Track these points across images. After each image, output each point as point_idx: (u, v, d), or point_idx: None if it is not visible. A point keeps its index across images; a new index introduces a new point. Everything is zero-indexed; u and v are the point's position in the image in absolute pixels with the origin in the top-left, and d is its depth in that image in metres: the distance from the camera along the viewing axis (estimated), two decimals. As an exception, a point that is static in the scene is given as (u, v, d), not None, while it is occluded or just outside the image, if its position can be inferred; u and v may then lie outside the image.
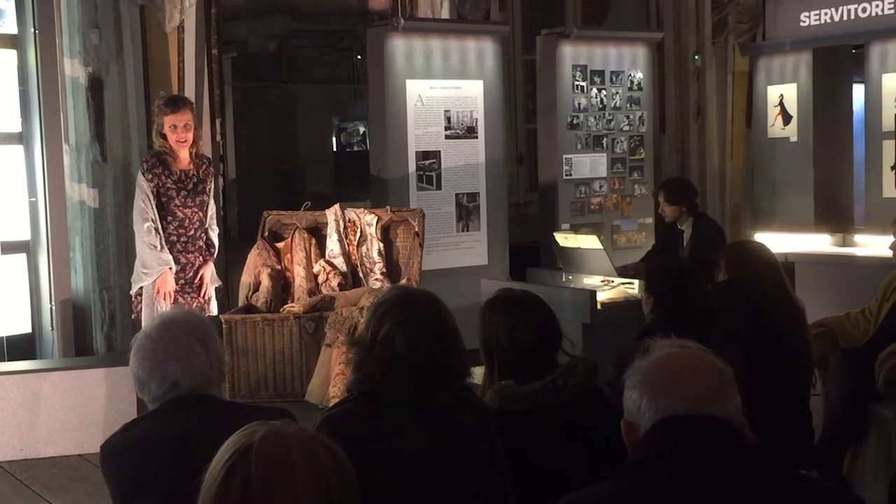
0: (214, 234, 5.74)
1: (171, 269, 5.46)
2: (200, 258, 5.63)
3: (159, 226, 5.44)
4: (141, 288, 5.52)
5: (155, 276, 5.44)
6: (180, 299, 5.51)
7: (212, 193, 5.67)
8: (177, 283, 5.51)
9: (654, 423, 1.79)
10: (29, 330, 6.44)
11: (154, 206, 5.42)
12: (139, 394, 2.59)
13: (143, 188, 5.44)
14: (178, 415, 2.49)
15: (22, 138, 6.37)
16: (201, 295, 5.63)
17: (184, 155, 5.47)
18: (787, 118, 8.87)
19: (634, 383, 1.86)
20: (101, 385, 5.52)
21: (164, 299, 5.43)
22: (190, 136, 5.42)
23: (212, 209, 5.69)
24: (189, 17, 7.00)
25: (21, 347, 6.36)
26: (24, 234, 6.37)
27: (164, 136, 5.40)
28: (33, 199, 6.36)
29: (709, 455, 1.75)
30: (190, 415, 2.49)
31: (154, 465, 2.44)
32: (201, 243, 5.62)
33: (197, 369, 2.52)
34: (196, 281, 5.62)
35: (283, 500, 1.51)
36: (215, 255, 5.75)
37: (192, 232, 5.56)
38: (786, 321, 4.02)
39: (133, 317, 5.70)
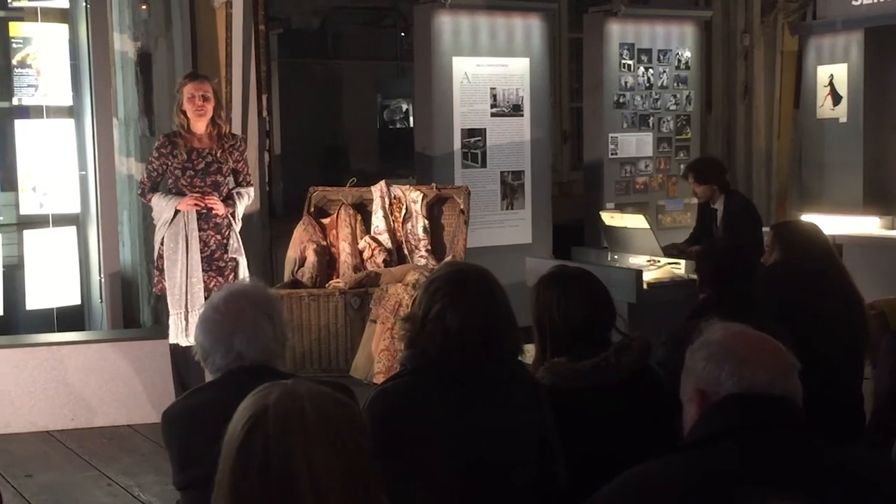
0: (245, 190, 5.40)
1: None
2: (217, 236, 5.26)
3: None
4: (161, 263, 5.21)
5: (170, 210, 5.17)
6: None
7: (240, 170, 5.35)
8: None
9: (738, 391, 1.82)
10: (78, 302, 6.51)
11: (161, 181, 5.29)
12: (203, 363, 2.61)
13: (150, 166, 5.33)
14: (242, 385, 2.49)
15: (73, 112, 6.43)
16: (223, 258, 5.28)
17: (200, 128, 5.21)
18: (836, 99, 8.74)
19: (709, 354, 1.88)
20: (149, 357, 5.60)
21: (192, 204, 5.16)
22: (209, 107, 5.17)
23: (241, 175, 5.38)
24: (236, -7, 7.00)
25: (71, 319, 6.44)
26: (75, 208, 6.43)
27: (183, 112, 5.21)
28: (83, 173, 6.42)
29: (775, 432, 1.79)
30: (253, 385, 2.50)
31: (214, 433, 2.46)
32: (217, 220, 5.25)
33: (263, 343, 2.55)
34: (216, 259, 5.25)
35: (299, 458, 1.54)
36: (236, 205, 5.32)
37: (203, 210, 5.23)
38: (839, 303, 3.97)
39: (155, 291, 5.45)
